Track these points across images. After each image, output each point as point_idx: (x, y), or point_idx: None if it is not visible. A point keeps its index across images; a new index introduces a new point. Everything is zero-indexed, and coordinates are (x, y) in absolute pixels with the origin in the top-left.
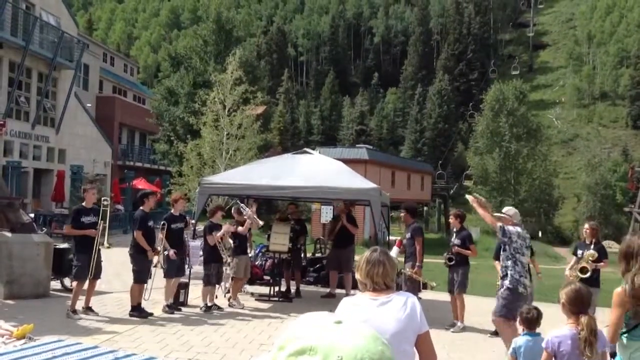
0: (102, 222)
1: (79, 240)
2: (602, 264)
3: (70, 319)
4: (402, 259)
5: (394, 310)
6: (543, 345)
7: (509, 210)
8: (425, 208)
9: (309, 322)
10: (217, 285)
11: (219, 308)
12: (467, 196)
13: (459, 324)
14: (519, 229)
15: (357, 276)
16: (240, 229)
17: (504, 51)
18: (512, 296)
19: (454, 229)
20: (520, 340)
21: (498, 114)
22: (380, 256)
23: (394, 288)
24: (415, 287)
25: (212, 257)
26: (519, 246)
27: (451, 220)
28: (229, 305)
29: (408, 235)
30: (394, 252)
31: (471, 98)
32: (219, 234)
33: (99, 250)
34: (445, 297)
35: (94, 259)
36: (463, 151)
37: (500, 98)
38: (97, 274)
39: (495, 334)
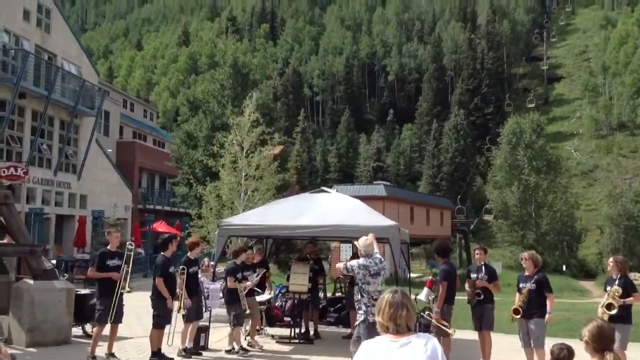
0: (125, 266)
1: (103, 283)
2: (631, 298)
3: None
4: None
5: (415, 352)
6: None
7: (360, 240)
8: (448, 244)
9: None
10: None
11: (246, 350)
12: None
13: None
14: (361, 260)
15: (378, 319)
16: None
17: (519, 85)
18: (367, 327)
19: (479, 264)
20: None
21: (516, 147)
22: (402, 298)
23: (414, 330)
24: (442, 331)
25: (233, 297)
26: (362, 277)
27: (478, 255)
28: (249, 345)
29: (438, 277)
30: (424, 293)
31: (487, 132)
32: (247, 284)
33: (121, 294)
34: (469, 335)
35: (115, 303)
36: (482, 185)
37: (518, 131)
38: (117, 319)
39: None
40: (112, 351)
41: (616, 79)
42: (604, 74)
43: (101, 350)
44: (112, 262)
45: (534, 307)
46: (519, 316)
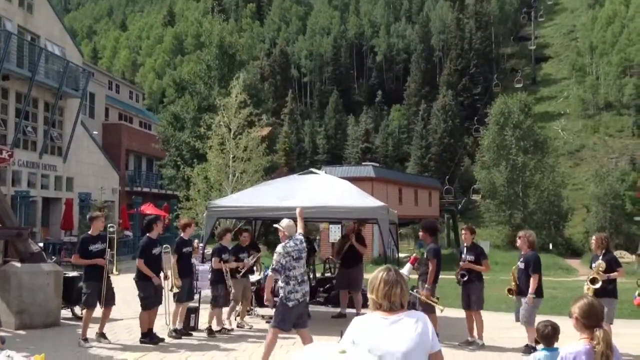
0: (109, 250)
1: (88, 268)
2: (615, 273)
3: (82, 347)
4: (414, 277)
5: (405, 329)
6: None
7: (282, 222)
8: (435, 223)
9: (314, 352)
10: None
11: (229, 331)
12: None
13: (478, 341)
14: (280, 249)
15: (372, 296)
16: (214, 262)
17: (507, 65)
18: (283, 309)
19: (465, 244)
20: (539, 354)
21: (504, 128)
22: (396, 276)
23: (406, 307)
24: (428, 308)
25: (219, 278)
26: (288, 264)
27: (465, 235)
28: (238, 326)
29: (425, 255)
30: (406, 269)
31: (476, 112)
32: (224, 265)
33: (109, 277)
34: (458, 313)
35: (104, 286)
36: (470, 165)
37: (506, 111)
38: (110, 301)
39: (526, 351)
40: (103, 331)
41: (603, 58)
42: (591, 54)
43: (92, 332)
44: (95, 247)
45: (523, 285)
46: (511, 296)
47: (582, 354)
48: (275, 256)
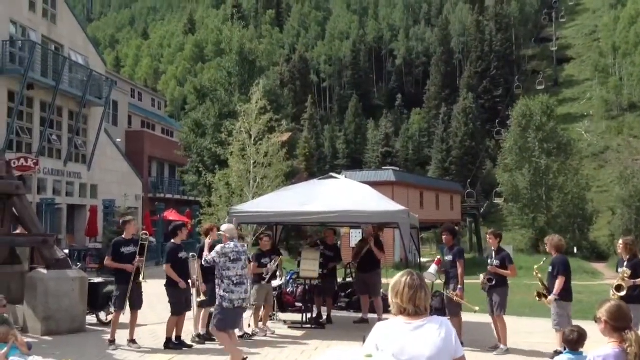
0: (139, 257)
1: (119, 271)
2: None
3: (109, 351)
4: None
5: (429, 334)
6: None
7: (223, 226)
8: (456, 228)
9: (339, 357)
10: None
11: (250, 336)
12: None
13: (502, 346)
14: (218, 248)
15: (396, 301)
16: (252, 266)
17: (528, 67)
18: (221, 309)
19: (492, 249)
20: (563, 358)
21: (526, 130)
22: (420, 280)
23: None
24: (456, 309)
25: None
26: (223, 264)
27: (490, 240)
28: (252, 333)
29: (449, 257)
30: (432, 269)
31: (497, 115)
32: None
33: (140, 282)
34: (485, 318)
35: (130, 290)
36: (492, 169)
37: (528, 113)
38: (136, 305)
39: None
40: (133, 338)
41: (626, 59)
42: (614, 54)
43: (118, 336)
44: (126, 250)
45: (552, 289)
46: (541, 299)
47: (610, 357)
48: (212, 253)
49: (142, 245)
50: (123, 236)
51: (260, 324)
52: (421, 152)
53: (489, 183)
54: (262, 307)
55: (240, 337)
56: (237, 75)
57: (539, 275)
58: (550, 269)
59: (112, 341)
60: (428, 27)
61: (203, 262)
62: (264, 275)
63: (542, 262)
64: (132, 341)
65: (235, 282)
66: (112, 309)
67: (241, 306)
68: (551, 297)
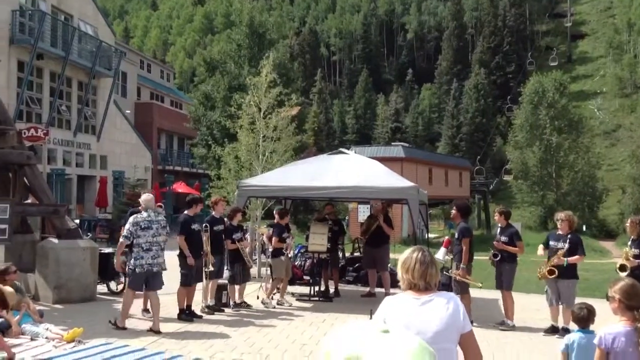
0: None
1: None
2: None
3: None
4: (450, 258)
5: (437, 309)
6: (595, 342)
7: (142, 197)
8: (468, 204)
9: (355, 330)
10: (245, 284)
11: (248, 305)
12: None
13: (508, 322)
14: (131, 219)
15: (407, 276)
16: (274, 240)
17: (541, 42)
18: (132, 273)
19: (499, 226)
20: (574, 336)
21: (537, 107)
22: (430, 256)
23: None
24: (463, 287)
25: (234, 257)
26: (134, 231)
27: (496, 217)
28: (262, 304)
29: (457, 235)
30: (441, 252)
31: (509, 91)
32: (235, 245)
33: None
34: (492, 294)
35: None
36: (502, 145)
37: (540, 90)
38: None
39: (551, 332)
40: (147, 307)
41: None
42: (628, 31)
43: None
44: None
45: (567, 267)
46: (553, 276)
47: (621, 336)
48: (127, 225)
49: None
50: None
51: (278, 296)
52: (431, 128)
53: (498, 160)
54: (282, 280)
55: (238, 305)
56: (247, 47)
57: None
58: (567, 246)
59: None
60: (440, 1)
61: (122, 238)
62: (283, 250)
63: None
64: (145, 310)
65: (144, 248)
66: (122, 279)
67: (150, 270)
68: (569, 258)
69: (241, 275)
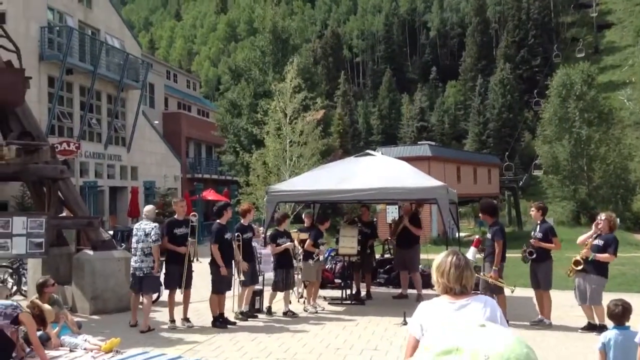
0: (191, 238)
1: (171, 251)
2: None
3: (171, 329)
4: (480, 257)
5: (474, 313)
6: (637, 340)
7: (145, 207)
8: (494, 203)
9: (454, 326)
10: (290, 291)
11: (294, 314)
12: None
13: (545, 320)
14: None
15: (442, 280)
16: (308, 244)
17: (567, 34)
18: (132, 277)
19: (537, 222)
20: (610, 334)
21: (566, 99)
22: (465, 260)
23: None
24: (497, 289)
25: (279, 263)
26: (137, 240)
27: (533, 212)
28: (304, 310)
29: (489, 236)
30: (471, 252)
31: (535, 85)
32: (283, 247)
33: (191, 262)
34: (526, 292)
35: (185, 270)
36: (530, 140)
37: (567, 83)
38: (188, 284)
39: (588, 329)
40: (187, 316)
41: None
42: None
43: (162, 315)
44: (179, 231)
45: (595, 265)
46: (579, 267)
47: None
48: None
49: (193, 226)
50: (175, 217)
51: (310, 300)
52: (457, 126)
53: (527, 155)
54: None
55: (285, 314)
56: (271, 54)
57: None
58: (600, 242)
59: (172, 320)
60: None
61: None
62: (314, 256)
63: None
64: (185, 319)
65: (145, 253)
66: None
67: (135, 274)
68: (597, 255)
69: (284, 283)
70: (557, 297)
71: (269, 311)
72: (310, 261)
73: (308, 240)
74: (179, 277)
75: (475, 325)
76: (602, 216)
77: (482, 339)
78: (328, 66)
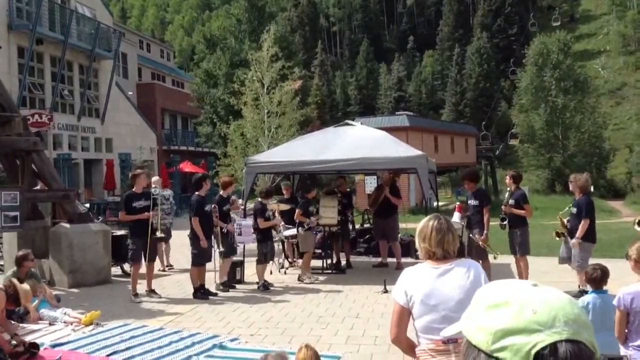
0: (155, 209)
1: (133, 224)
2: None
3: (133, 302)
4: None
5: (458, 277)
6: (614, 303)
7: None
8: (476, 170)
9: (506, 284)
10: (271, 262)
11: (270, 285)
12: None
13: None
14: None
15: (424, 245)
16: (297, 213)
17: (543, 2)
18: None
19: (509, 190)
20: (588, 298)
21: (542, 68)
22: (447, 224)
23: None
24: (483, 254)
25: (265, 236)
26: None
27: (507, 180)
28: (299, 280)
29: (473, 202)
30: (456, 217)
31: (512, 54)
32: (272, 223)
33: (155, 237)
34: (506, 259)
35: (149, 242)
36: (507, 110)
37: (544, 51)
38: (152, 258)
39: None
40: (152, 288)
41: None
42: None
43: (143, 288)
44: (138, 204)
45: (575, 230)
46: (559, 238)
47: None
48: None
49: (155, 199)
50: (134, 189)
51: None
52: (435, 96)
53: (504, 124)
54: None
55: (266, 286)
56: (247, 22)
57: (560, 215)
58: (574, 209)
59: (135, 294)
60: None
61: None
62: (305, 225)
63: (566, 208)
64: (151, 291)
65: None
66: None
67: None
68: (575, 241)
69: (269, 254)
70: (532, 264)
71: (266, 286)
72: (301, 230)
73: (297, 210)
74: (143, 250)
75: (528, 285)
76: (570, 178)
77: (533, 294)
78: (305, 35)
